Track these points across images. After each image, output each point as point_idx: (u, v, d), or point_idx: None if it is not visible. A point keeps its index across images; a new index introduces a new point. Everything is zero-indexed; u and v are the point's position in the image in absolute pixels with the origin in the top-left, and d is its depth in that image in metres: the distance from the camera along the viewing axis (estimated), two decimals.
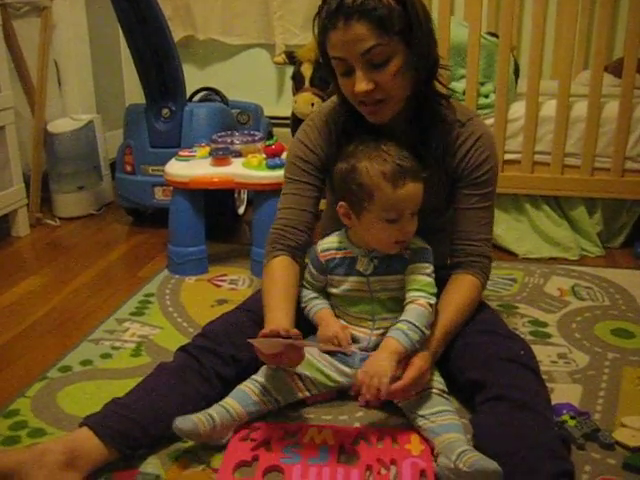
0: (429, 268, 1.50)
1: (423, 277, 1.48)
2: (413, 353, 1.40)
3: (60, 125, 2.99)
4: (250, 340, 1.33)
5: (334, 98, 1.63)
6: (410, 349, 1.39)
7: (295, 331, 1.34)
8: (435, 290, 1.48)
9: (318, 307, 1.56)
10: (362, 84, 1.39)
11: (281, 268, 1.56)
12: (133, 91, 3.42)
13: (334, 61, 1.42)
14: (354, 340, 1.52)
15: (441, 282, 1.54)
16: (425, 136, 1.53)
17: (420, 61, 1.43)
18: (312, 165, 1.61)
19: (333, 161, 1.54)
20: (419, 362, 1.39)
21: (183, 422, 1.31)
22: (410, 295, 1.46)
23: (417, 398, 1.41)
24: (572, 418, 1.43)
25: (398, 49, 1.38)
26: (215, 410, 1.37)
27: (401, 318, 1.43)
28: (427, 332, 1.43)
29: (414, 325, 1.40)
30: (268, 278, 1.56)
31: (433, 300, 1.46)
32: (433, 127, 1.53)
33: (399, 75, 1.41)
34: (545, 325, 1.93)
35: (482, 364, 1.42)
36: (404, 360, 1.39)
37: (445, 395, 1.45)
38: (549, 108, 2.47)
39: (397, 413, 1.46)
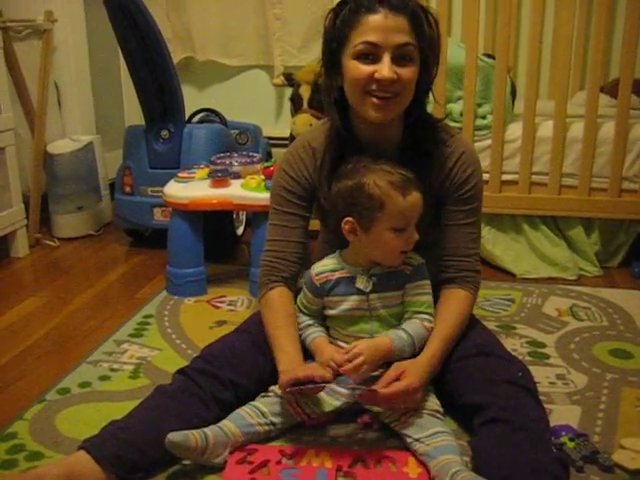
0: (428, 285, 1.54)
1: (425, 297, 1.53)
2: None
3: (60, 146, 3.01)
4: (289, 390, 1.36)
5: (316, 125, 1.67)
6: (397, 357, 1.45)
7: (328, 375, 1.37)
8: (431, 310, 1.53)
9: (313, 335, 1.56)
10: (389, 70, 1.42)
11: (280, 299, 1.58)
12: (133, 112, 3.44)
13: (362, 46, 1.43)
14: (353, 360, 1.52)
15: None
16: (415, 153, 1.55)
17: (425, 74, 1.50)
18: (297, 194, 1.62)
19: (319, 186, 1.57)
20: (411, 378, 1.39)
21: (174, 435, 1.31)
22: (413, 315, 1.51)
23: (412, 420, 1.41)
24: (571, 440, 1.42)
25: (416, 56, 1.46)
26: (209, 428, 1.38)
27: (406, 329, 1.48)
28: (416, 352, 1.48)
29: (413, 342, 1.48)
30: (269, 310, 1.58)
31: (432, 323, 1.51)
32: (423, 145, 1.56)
33: (414, 78, 1.47)
34: (543, 346, 1.93)
35: (480, 386, 1.42)
36: (398, 370, 1.41)
37: (440, 416, 1.45)
38: (546, 129, 2.49)
39: (395, 435, 1.45)
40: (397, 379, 1.40)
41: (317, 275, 1.56)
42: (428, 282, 1.54)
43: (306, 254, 1.67)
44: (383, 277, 1.52)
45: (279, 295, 1.59)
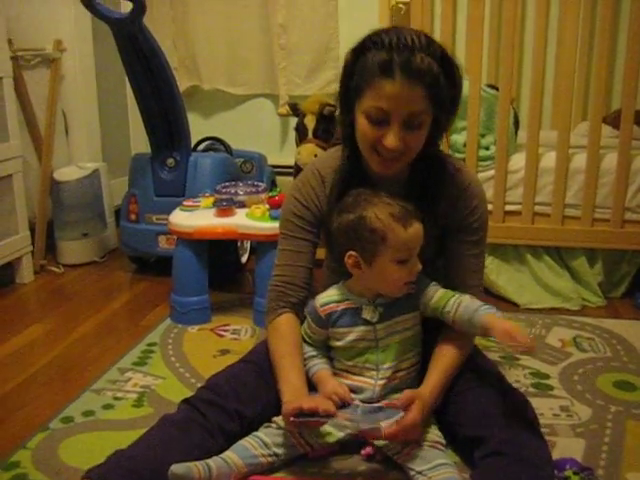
0: (434, 284, 1.56)
1: (440, 292, 1.54)
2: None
3: (66, 173, 3.04)
4: (292, 421, 1.37)
5: (326, 153, 1.68)
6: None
7: (332, 409, 1.38)
8: (453, 292, 1.55)
9: (316, 367, 1.56)
10: (395, 140, 1.42)
11: (287, 326, 1.59)
12: (139, 140, 3.47)
13: (371, 108, 1.42)
14: (358, 391, 1.53)
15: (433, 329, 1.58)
16: (422, 188, 1.56)
17: (443, 124, 1.50)
18: (306, 221, 1.63)
19: (327, 214, 1.58)
20: (413, 413, 1.39)
21: (177, 467, 1.31)
22: (450, 301, 1.52)
23: (414, 452, 1.41)
24: (575, 474, 1.41)
25: (428, 120, 1.45)
26: (213, 460, 1.38)
27: (475, 305, 1.49)
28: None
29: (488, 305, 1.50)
30: (276, 337, 1.58)
31: (464, 295, 1.54)
32: (430, 179, 1.57)
33: (421, 142, 1.47)
34: (547, 377, 1.93)
35: (481, 419, 1.42)
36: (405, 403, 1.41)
37: (442, 447, 1.45)
38: (549, 159, 2.51)
39: (398, 467, 1.45)
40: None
41: (322, 306, 1.57)
42: (434, 283, 1.56)
43: (312, 281, 1.67)
44: (389, 305, 1.53)
45: (286, 322, 1.59)
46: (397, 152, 1.45)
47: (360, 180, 1.56)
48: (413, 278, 1.51)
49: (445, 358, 1.52)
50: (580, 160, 2.49)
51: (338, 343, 1.56)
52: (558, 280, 2.51)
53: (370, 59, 1.40)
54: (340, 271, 1.59)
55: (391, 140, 1.42)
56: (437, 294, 1.54)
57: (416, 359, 1.57)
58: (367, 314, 1.52)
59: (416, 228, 1.47)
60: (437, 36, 2.60)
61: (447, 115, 1.49)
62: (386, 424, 1.39)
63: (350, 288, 1.57)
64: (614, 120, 2.72)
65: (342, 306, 1.55)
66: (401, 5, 2.52)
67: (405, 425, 1.37)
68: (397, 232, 1.44)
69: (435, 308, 1.54)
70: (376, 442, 1.47)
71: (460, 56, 3.10)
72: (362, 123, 1.45)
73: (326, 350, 1.61)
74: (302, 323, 1.63)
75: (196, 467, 1.33)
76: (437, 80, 1.39)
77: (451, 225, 1.61)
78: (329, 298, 1.58)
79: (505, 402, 1.45)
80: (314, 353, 1.59)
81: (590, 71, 3.01)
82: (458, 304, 1.51)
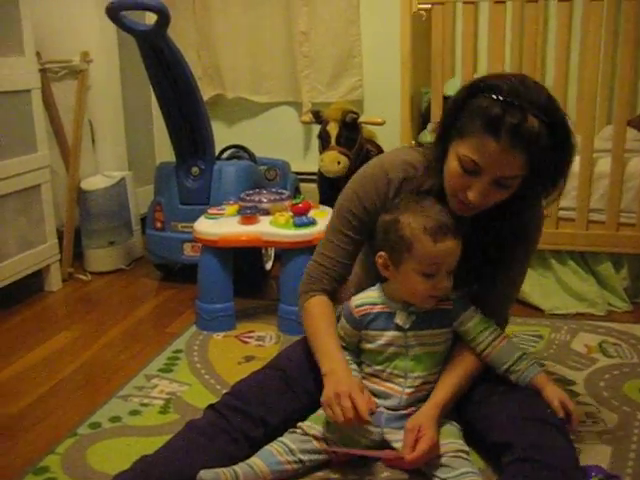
0: (475, 310, 1.56)
1: (476, 318, 1.54)
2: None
3: (93, 182, 3.08)
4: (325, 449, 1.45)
5: (397, 152, 1.64)
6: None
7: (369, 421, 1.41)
8: (489, 322, 1.56)
9: None
10: (478, 197, 1.39)
11: (319, 306, 1.62)
12: (164, 149, 3.51)
13: (467, 157, 1.37)
14: (384, 397, 1.54)
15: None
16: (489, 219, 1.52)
17: (540, 190, 1.46)
18: (360, 219, 1.60)
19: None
20: (430, 433, 1.40)
21: (206, 473, 1.34)
22: (486, 337, 1.54)
23: (439, 461, 1.42)
24: None
25: (518, 182, 1.40)
26: (239, 466, 1.39)
27: (515, 356, 1.52)
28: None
29: (526, 354, 1.53)
30: (308, 316, 1.62)
31: (500, 330, 1.57)
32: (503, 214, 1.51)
33: (509, 194, 1.42)
34: (572, 383, 1.92)
35: (507, 424, 1.42)
36: (414, 430, 1.42)
37: (465, 456, 1.45)
38: (574, 164, 2.48)
39: (422, 474, 1.45)
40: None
41: (357, 307, 1.57)
42: (473, 307, 1.56)
43: (348, 274, 1.69)
44: (423, 315, 1.53)
45: (319, 303, 1.62)
46: (477, 206, 1.43)
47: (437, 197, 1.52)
48: (438, 293, 1.49)
49: (455, 374, 1.53)
50: (605, 164, 2.47)
51: (369, 346, 1.57)
52: (583, 285, 2.49)
53: (483, 107, 1.34)
54: (372, 270, 1.59)
55: (474, 196, 1.39)
56: (474, 320, 1.54)
57: None
58: (400, 319, 1.52)
59: (447, 245, 1.44)
60: (458, 50, 2.60)
61: (547, 182, 1.44)
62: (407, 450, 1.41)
63: (386, 292, 1.57)
64: (639, 123, 2.70)
65: (377, 309, 1.56)
66: (422, 12, 2.53)
67: (425, 450, 1.38)
68: (425, 244, 1.44)
69: (466, 332, 1.54)
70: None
71: (482, 61, 3.14)
72: (453, 166, 1.42)
73: (356, 356, 1.61)
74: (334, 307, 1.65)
75: (224, 474, 1.35)
76: (544, 150, 1.34)
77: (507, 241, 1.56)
78: (365, 299, 1.58)
79: (532, 407, 1.45)
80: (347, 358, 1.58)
81: (614, 74, 2.98)
82: (493, 339, 1.53)
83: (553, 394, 1.47)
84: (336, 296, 1.67)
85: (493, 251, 1.54)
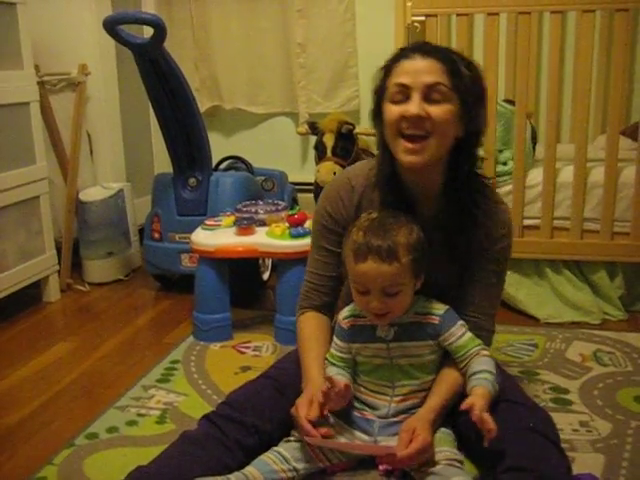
0: (463, 325, 1.56)
1: (466, 337, 1.54)
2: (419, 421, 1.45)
3: (91, 193, 3.10)
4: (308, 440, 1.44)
5: (359, 163, 1.73)
6: (493, 395, 1.46)
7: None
8: (475, 340, 1.55)
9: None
10: (416, 107, 1.45)
11: (308, 321, 1.69)
12: (161, 160, 3.53)
13: (394, 88, 1.48)
14: (374, 407, 1.55)
15: None
16: (457, 203, 1.56)
17: (468, 121, 1.50)
18: (333, 231, 1.65)
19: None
20: (424, 435, 1.40)
21: None
22: (467, 355, 1.53)
23: (433, 469, 1.42)
24: None
25: (453, 98, 1.47)
26: (234, 475, 1.40)
27: (480, 368, 1.49)
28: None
29: (493, 374, 1.49)
30: (299, 332, 1.68)
31: (487, 349, 1.56)
32: (464, 198, 1.56)
33: (448, 118, 1.47)
34: (566, 392, 1.93)
35: (501, 434, 1.42)
36: (409, 431, 1.42)
37: (459, 465, 1.45)
38: (567, 174, 2.51)
39: None
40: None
41: (344, 319, 1.60)
42: (461, 323, 1.55)
43: (339, 285, 1.72)
44: (406, 327, 1.54)
45: (308, 319, 1.69)
46: (421, 124, 1.45)
47: (392, 188, 1.57)
48: (371, 312, 1.50)
49: (448, 384, 1.53)
50: (598, 174, 2.48)
51: (358, 358, 1.58)
52: (578, 294, 2.50)
53: (391, 58, 1.53)
54: None
55: (412, 108, 1.45)
56: (462, 339, 1.53)
57: None
58: (381, 332, 1.54)
59: (366, 267, 1.45)
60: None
61: (473, 101, 1.50)
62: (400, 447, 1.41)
63: None
64: (633, 132, 2.72)
65: (360, 321, 1.58)
66: (417, 24, 2.55)
67: (417, 449, 1.38)
68: (349, 262, 1.50)
69: (452, 350, 1.55)
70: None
71: None
72: (387, 110, 1.50)
73: (351, 370, 1.60)
74: (329, 319, 1.71)
75: None
76: (450, 56, 1.49)
77: (478, 251, 1.59)
78: (351, 312, 1.60)
79: (526, 417, 1.46)
80: (336, 371, 1.57)
81: (608, 84, 3.00)
82: (474, 355, 1.53)
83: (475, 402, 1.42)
84: (333, 307, 1.71)
85: (463, 259, 1.59)
